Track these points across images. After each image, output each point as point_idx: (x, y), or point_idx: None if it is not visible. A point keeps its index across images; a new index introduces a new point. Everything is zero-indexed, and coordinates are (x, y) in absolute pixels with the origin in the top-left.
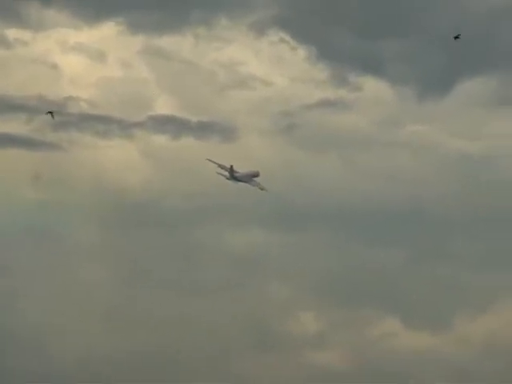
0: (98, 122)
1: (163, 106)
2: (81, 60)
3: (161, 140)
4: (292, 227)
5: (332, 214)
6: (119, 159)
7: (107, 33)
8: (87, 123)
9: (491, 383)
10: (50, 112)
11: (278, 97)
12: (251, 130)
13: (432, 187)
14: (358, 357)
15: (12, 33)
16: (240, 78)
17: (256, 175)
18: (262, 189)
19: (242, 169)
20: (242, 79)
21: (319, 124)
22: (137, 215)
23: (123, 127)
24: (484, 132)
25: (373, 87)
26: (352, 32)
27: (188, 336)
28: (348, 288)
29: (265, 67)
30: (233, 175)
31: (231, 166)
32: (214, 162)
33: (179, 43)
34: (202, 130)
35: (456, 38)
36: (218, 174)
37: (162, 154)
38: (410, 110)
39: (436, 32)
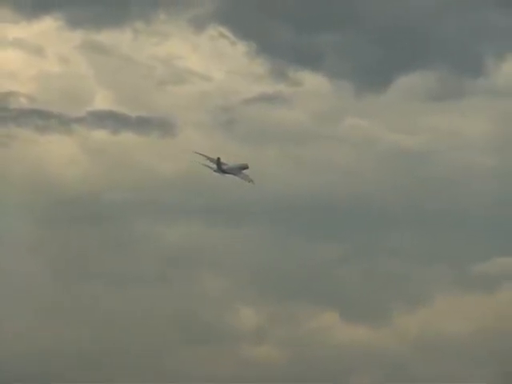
0: (38, 117)
1: (102, 102)
2: (19, 55)
3: (100, 135)
4: (231, 221)
5: (272, 208)
6: (59, 154)
7: (46, 28)
8: (26, 118)
9: (427, 376)
10: None
11: (217, 91)
12: (191, 124)
13: (370, 182)
14: (297, 351)
15: None
16: (178, 72)
17: (245, 167)
18: (249, 181)
19: (230, 161)
20: (181, 74)
21: (259, 118)
22: (75, 209)
23: (63, 122)
24: (422, 127)
25: (311, 82)
26: (291, 26)
27: (122, 330)
28: (287, 282)
29: (204, 62)
30: (220, 167)
31: (218, 159)
32: (202, 155)
33: (118, 38)
34: (142, 125)
35: None
36: (205, 165)
37: (102, 149)
38: (348, 104)
39: (374, 26)
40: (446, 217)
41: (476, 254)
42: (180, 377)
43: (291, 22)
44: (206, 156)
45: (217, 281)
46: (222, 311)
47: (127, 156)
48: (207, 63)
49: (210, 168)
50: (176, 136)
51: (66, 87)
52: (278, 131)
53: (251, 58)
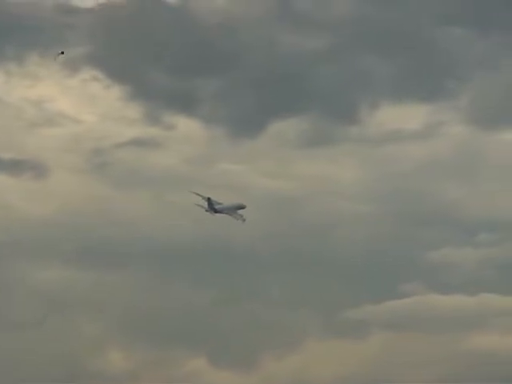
0: None
1: None
2: None
3: None
4: (105, 264)
5: (143, 252)
6: None
7: None
8: None
9: None
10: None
11: (89, 135)
12: (63, 167)
13: (242, 227)
14: None
15: None
16: (50, 115)
17: (241, 207)
18: (242, 220)
19: (226, 201)
20: (52, 117)
21: (132, 162)
22: None
23: None
24: (294, 172)
25: (186, 126)
26: (167, 71)
27: None
28: (157, 326)
29: (76, 105)
30: (211, 207)
31: (208, 198)
32: (198, 194)
33: None
34: (15, 166)
35: (61, 53)
36: (197, 205)
37: None
38: (222, 149)
39: (250, 73)
40: (318, 263)
41: (346, 300)
42: None
43: (167, 66)
44: (201, 196)
45: (91, 324)
46: (94, 354)
47: (1, 197)
48: (79, 106)
49: (202, 207)
50: (48, 178)
51: None
52: (150, 175)
53: (125, 102)
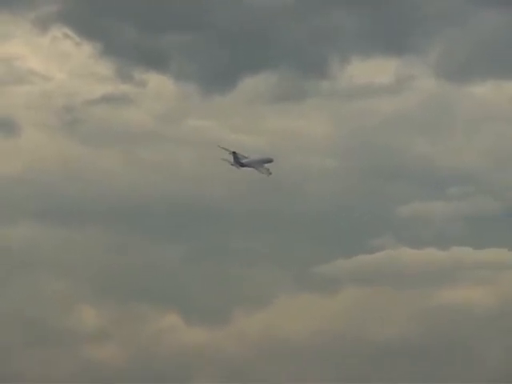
0: None
1: None
2: None
3: None
4: (73, 222)
5: (113, 210)
6: None
7: None
8: None
9: (266, 377)
10: None
11: (60, 92)
12: (33, 125)
13: (213, 183)
14: (139, 352)
15: None
16: (19, 73)
17: (269, 161)
18: (268, 174)
19: (253, 154)
20: (22, 74)
21: (103, 119)
22: None
23: None
24: (265, 128)
25: (157, 83)
26: (138, 28)
27: None
28: (128, 284)
29: (46, 63)
30: (237, 161)
31: (233, 153)
32: (225, 149)
33: None
34: None
35: None
36: (223, 159)
37: None
38: (193, 105)
39: (221, 28)
40: (288, 219)
41: (317, 256)
42: (22, 379)
43: (138, 23)
44: (226, 149)
45: (58, 282)
46: (63, 312)
47: None
48: (50, 64)
49: (227, 161)
50: (18, 136)
51: None
52: (121, 132)
53: (96, 59)
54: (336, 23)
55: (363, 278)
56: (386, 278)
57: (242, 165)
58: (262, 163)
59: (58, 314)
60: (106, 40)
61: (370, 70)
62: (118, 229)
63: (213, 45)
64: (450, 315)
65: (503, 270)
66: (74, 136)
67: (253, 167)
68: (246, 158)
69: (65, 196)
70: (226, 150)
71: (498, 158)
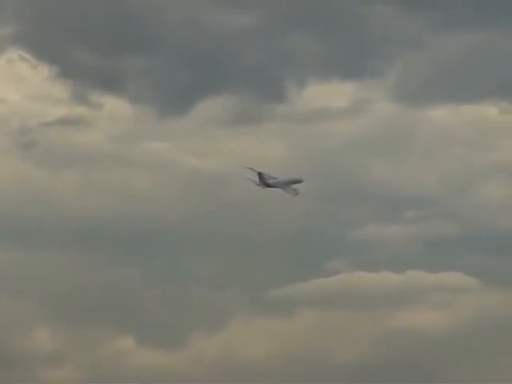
0: None
1: None
2: None
3: None
4: (30, 245)
5: (68, 232)
6: None
7: None
8: None
9: None
10: None
11: (16, 115)
12: None
13: (169, 206)
14: (94, 375)
15: None
16: None
17: (298, 181)
18: (296, 194)
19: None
20: None
21: (59, 142)
22: None
23: None
24: (221, 151)
25: (113, 105)
26: (95, 50)
27: None
28: (84, 306)
29: (1, 85)
30: (263, 181)
31: (259, 173)
32: (252, 169)
33: None
34: None
35: None
36: (249, 180)
37: None
38: (149, 128)
39: (178, 51)
40: (245, 242)
41: (273, 279)
42: None
43: (95, 46)
44: (253, 170)
45: (12, 304)
46: (18, 335)
47: None
48: (5, 86)
49: (253, 182)
50: None
51: None
52: (77, 154)
53: (52, 82)
54: (293, 47)
55: (319, 301)
56: (342, 301)
57: (269, 185)
58: (289, 184)
59: (12, 336)
60: (63, 62)
61: (327, 94)
62: (74, 251)
63: (170, 68)
64: (406, 338)
65: (459, 293)
66: (30, 158)
67: (280, 188)
68: (274, 178)
69: (20, 218)
70: (253, 170)
71: (455, 181)
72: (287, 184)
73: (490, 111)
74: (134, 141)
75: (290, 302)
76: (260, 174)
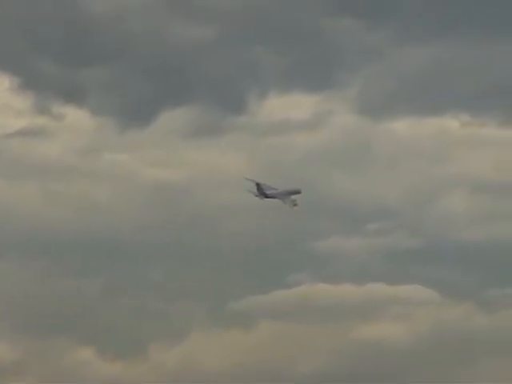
0: None
1: None
2: None
3: None
4: None
5: (29, 243)
6: None
7: None
8: None
9: None
10: None
11: None
12: None
13: (129, 217)
14: None
15: None
16: None
17: (296, 192)
18: (294, 205)
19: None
20: None
21: (19, 152)
22: None
23: None
24: (182, 162)
25: (75, 117)
26: (56, 62)
27: None
28: (44, 318)
29: None
30: (261, 192)
31: (257, 184)
32: (251, 180)
33: None
34: None
35: None
36: (248, 191)
37: None
38: (110, 139)
39: (140, 62)
40: (205, 254)
41: (234, 291)
42: None
43: (57, 57)
44: (252, 180)
45: None
46: None
47: None
48: None
49: (252, 193)
50: None
51: None
52: (38, 165)
53: (13, 93)
54: (255, 59)
55: (280, 313)
56: (302, 313)
57: (267, 196)
58: (288, 194)
59: None
60: (24, 74)
61: (288, 106)
62: (34, 262)
63: (132, 79)
64: (367, 350)
65: (419, 305)
66: None
67: (278, 198)
68: (273, 189)
69: None
70: (252, 181)
71: (417, 194)
72: (286, 195)
73: (451, 124)
74: (95, 152)
75: (251, 313)
76: (258, 185)
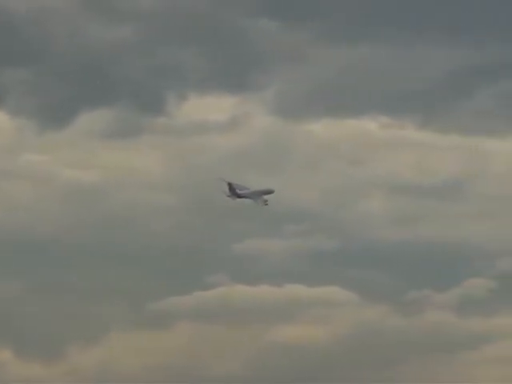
0: None
1: None
2: None
3: None
4: None
5: None
6: None
7: None
8: None
9: None
10: None
11: None
12: None
13: (48, 217)
14: None
15: None
16: None
17: (269, 192)
18: (265, 205)
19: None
20: None
21: None
22: None
23: None
24: (100, 163)
25: None
26: None
27: None
28: None
29: None
30: (233, 192)
31: (229, 184)
32: (223, 180)
33: None
34: None
35: None
36: (221, 191)
37: None
38: (29, 140)
39: (59, 63)
40: (123, 255)
41: (151, 292)
42: None
43: None
44: (224, 180)
45: None
46: None
47: None
48: None
49: (224, 193)
50: None
51: None
52: None
53: None
54: (174, 60)
55: (198, 314)
56: (220, 314)
57: (239, 196)
58: (261, 194)
59: None
60: None
61: (206, 108)
62: None
63: (51, 80)
64: (285, 352)
65: (336, 307)
66: None
67: (250, 198)
68: (246, 189)
69: None
70: (223, 180)
71: (335, 195)
72: (258, 194)
73: (369, 125)
74: (14, 153)
75: (169, 315)
76: (230, 185)
